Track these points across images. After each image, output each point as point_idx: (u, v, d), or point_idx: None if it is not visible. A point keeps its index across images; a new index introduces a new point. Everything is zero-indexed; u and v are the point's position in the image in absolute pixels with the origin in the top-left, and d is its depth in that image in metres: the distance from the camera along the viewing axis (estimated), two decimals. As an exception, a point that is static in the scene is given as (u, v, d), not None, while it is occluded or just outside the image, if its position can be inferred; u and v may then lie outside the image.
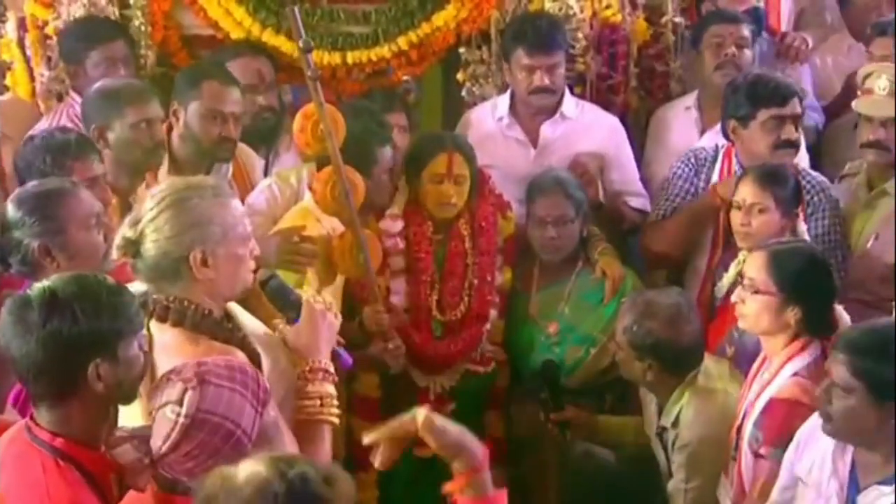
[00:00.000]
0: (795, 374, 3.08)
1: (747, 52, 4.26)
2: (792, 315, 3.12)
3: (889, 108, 3.83)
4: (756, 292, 3.14)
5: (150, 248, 2.55)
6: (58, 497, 2.22)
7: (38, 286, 2.31)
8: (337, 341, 2.78)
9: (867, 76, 3.95)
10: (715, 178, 3.99)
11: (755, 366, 3.27)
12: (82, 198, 2.98)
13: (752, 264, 3.20)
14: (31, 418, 2.34)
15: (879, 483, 2.68)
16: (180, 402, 2.16)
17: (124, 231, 2.58)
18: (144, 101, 3.64)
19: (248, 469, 1.80)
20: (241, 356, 2.51)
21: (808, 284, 3.17)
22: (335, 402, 2.65)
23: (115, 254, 2.61)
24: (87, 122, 3.68)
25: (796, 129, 3.86)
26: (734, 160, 3.98)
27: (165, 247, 2.54)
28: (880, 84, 3.85)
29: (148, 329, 2.55)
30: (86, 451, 2.29)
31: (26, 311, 2.26)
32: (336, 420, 2.66)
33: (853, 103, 4.03)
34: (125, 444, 2.22)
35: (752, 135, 3.87)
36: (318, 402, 2.62)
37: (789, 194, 3.63)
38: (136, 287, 2.61)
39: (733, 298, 3.26)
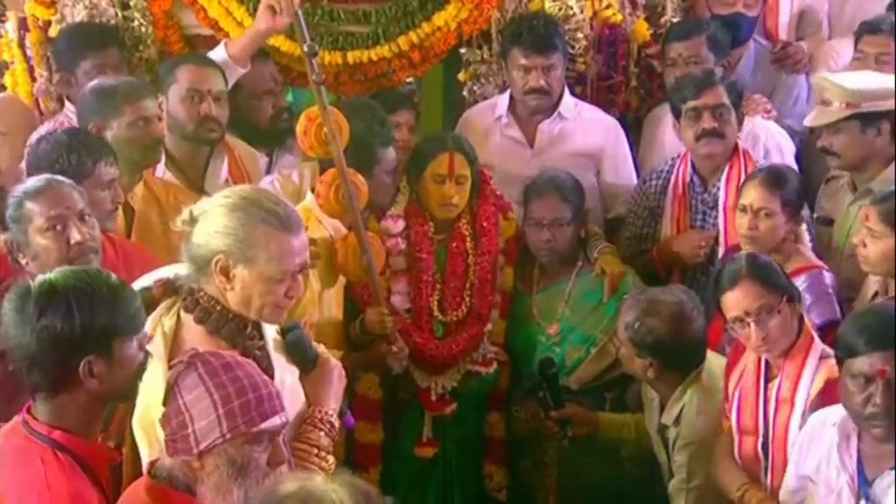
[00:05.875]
0: (823, 356, 3.12)
1: (706, 66, 4.21)
2: None
3: (816, 118, 3.95)
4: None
5: (195, 233, 2.56)
6: (57, 488, 2.23)
7: (41, 278, 2.32)
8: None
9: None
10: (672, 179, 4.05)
11: (752, 376, 3.24)
12: (43, 202, 2.97)
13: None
14: (28, 412, 2.34)
15: (892, 469, 2.70)
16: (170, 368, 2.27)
17: (195, 206, 2.61)
18: (142, 98, 3.62)
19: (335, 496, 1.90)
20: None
21: None
22: (329, 457, 2.65)
23: (178, 222, 2.61)
24: (83, 120, 3.65)
25: (715, 118, 3.88)
26: (689, 161, 4.03)
27: (199, 239, 2.55)
28: (820, 95, 3.96)
29: (178, 315, 2.58)
30: (83, 442, 2.31)
31: (25, 303, 2.28)
32: (323, 473, 2.62)
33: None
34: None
35: (683, 129, 3.96)
36: (315, 450, 2.62)
37: (794, 197, 3.65)
38: (179, 269, 2.63)
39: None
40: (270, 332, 2.71)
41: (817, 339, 3.19)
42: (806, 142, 4.49)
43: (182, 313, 2.59)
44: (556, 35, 4.16)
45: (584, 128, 4.28)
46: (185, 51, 4.25)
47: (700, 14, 4.54)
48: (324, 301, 3.55)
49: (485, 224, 3.90)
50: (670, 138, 4.31)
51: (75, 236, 2.96)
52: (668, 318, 3.44)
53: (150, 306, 2.56)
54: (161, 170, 3.82)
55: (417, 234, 3.86)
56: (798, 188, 3.70)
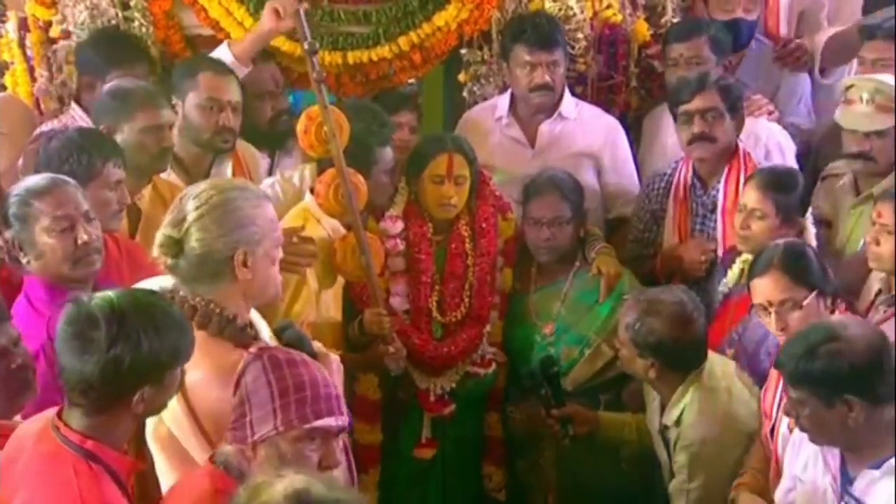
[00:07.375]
0: None
1: (707, 67, 4.19)
2: None
3: (872, 122, 3.79)
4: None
5: (195, 247, 2.55)
6: (89, 498, 2.23)
7: (103, 301, 2.28)
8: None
9: (849, 87, 3.91)
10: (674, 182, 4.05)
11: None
12: (50, 201, 2.96)
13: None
14: (59, 417, 2.33)
15: (870, 467, 2.70)
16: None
17: (167, 231, 2.59)
18: (156, 106, 3.61)
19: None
20: None
21: None
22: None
23: (155, 252, 2.60)
24: (96, 121, 3.66)
25: (706, 122, 3.88)
26: (690, 163, 4.02)
27: (212, 246, 2.55)
28: (863, 97, 3.81)
29: None
30: (113, 452, 2.32)
31: (90, 329, 2.25)
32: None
33: (836, 115, 3.98)
34: None
35: (679, 133, 3.97)
36: None
37: (793, 201, 3.63)
38: (163, 283, 2.62)
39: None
40: (266, 332, 2.72)
41: None
42: (810, 140, 4.48)
43: None
44: (558, 32, 4.17)
45: (585, 128, 4.29)
46: (186, 51, 4.25)
47: (699, 15, 4.53)
48: (321, 301, 3.55)
49: (484, 225, 3.90)
50: (671, 139, 4.30)
51: (83, 236, 2.96)
52: (668, 318, 3.42)
53: None
54: (165, 172, 3.80)
55: (416, 235, 3.85)
56: (798, 192, 3.67)
